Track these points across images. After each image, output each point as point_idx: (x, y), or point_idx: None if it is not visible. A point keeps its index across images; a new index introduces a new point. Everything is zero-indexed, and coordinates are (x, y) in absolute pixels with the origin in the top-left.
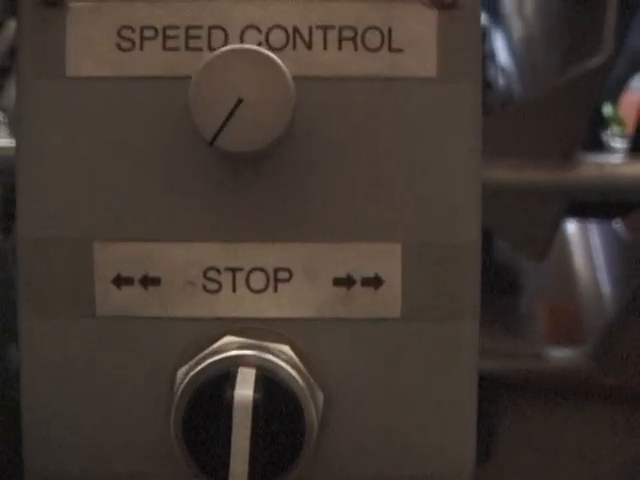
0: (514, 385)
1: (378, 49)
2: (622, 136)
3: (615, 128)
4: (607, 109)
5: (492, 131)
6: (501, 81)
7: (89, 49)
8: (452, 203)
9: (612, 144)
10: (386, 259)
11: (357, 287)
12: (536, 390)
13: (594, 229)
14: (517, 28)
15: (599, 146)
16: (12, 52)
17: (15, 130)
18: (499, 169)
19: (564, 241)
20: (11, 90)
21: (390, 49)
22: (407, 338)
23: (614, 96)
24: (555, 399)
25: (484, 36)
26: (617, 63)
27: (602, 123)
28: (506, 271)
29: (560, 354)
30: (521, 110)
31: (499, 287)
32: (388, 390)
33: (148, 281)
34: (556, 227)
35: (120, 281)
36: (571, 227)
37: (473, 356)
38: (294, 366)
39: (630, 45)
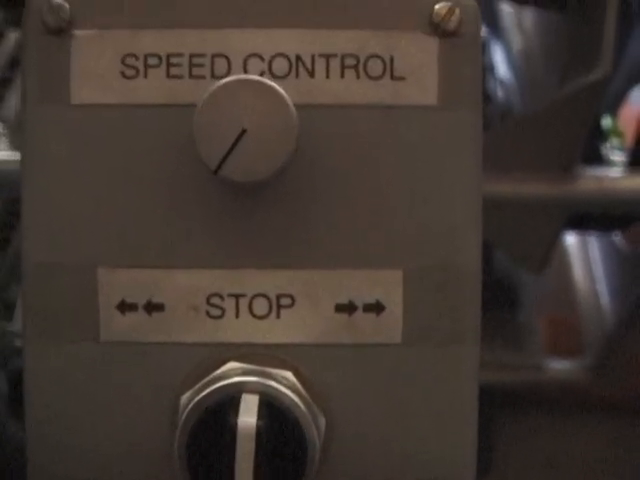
0: (514, 397)
1: (380, 77)
2: (621, 149)
3: (614, 141)
4: (606, 122)
5: (491, 144)
6: (500, 94)
7: (93, 77)
8: (453, 230)
9: (611, 157)
10: (388, 285)
11: (359, 313)
12: (535, 402)
13: (593, 241)
14: (516, 41)
15: (598, 159)
16: (12, 63)
17: (15, 142)
18: (498, 182)
19: (563, 253)
20: (11, 101)
21: (392, 77)
22: (408, 363)
23: (613, 108)
24: (554, 411)
25: (483, 49)
26: (616, 75)
27: (601, 136)
28: (505, 283)
29: (559, 366)
30: (520, 123)
31: (499, 299)
32: (390, 414)
33: (152, 307)
34: (555, 240)
35: (124, 307)
36: (570, 239)
37: (474, 379)
38: (296, 392)
39: (629, 57)
